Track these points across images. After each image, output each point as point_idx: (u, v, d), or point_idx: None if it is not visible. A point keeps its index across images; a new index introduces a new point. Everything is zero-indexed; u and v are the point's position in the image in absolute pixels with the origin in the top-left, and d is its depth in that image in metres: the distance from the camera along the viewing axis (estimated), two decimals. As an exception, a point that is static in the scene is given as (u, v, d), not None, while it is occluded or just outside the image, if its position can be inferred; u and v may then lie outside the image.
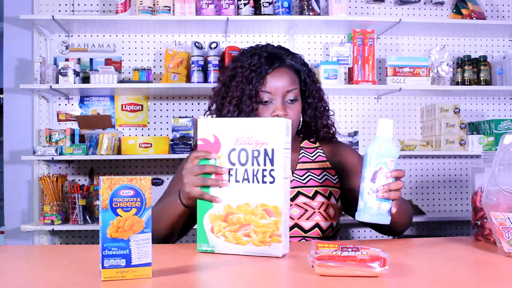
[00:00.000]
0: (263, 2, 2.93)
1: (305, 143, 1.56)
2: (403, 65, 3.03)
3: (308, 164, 1.50)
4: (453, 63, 3.24)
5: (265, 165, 1.09)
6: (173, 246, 1.35)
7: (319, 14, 3.02)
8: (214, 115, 1.49)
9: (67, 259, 1.17)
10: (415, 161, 3.30)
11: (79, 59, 3.07)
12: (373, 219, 1.11)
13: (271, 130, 1.09)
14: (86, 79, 2.98)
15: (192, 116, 3.01)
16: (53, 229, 2.85)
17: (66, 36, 3.12)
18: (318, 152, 1.54)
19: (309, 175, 1.47)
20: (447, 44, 3.31)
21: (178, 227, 1.34)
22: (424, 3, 3.27)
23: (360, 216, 1.13)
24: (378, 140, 1.12)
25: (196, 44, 2.97)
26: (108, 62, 3.02)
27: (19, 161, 2.95)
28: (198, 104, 3.18)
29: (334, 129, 1.58)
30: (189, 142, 2.90)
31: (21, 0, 3.08)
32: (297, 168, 1.49)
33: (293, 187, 1.43)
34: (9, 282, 0.94)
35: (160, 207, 1.35)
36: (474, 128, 3.21)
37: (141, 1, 2.89)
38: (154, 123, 3.18)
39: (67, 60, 2.97)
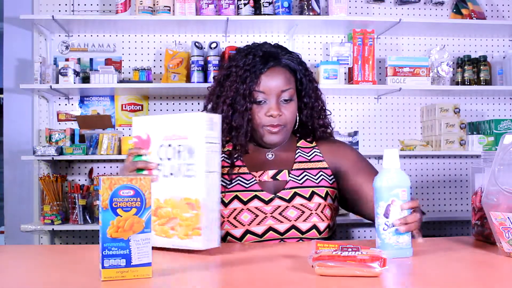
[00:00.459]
0: (263, 2, 2.93)
1: (301, 143, 1.55)
2: (403, 65, 3.03)
3: (305, 164, 1.49)
4: (453, 63, 3.24)
5: (186, 159, 1.12)
6: (173, 246, 1.35)
7: (319, 14, 3.02)
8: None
9: (67, 259, 1.17)
10: (415, 161, 3.30)
11: (79, 59, 3.07)
12: (393, 254, 1.05)
13: (191, 125, 1.12)
14: (86, 79, 2.98)
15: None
16: (53, 229, 2.85)
17: (66, 36, 3.12)
18: (315, 151, 1.52)
19: (306, 175, 1.46)
20: (447, 44, 3.31)
21: None
22: (424, 3, 3.27)
23: None
24: (385, 172, 1.09)
25: (196, 44, 2.97)
26: (108, 62, 3.02)
27: (19, 161, 2.95)
28: (198, 104, 3.18)
29: (331, 129, 1.57)
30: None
31: (21, 0, 3.08)
32: (293, 168, 1.47)
33: (290, 188, 1.42)
34: (9, 282, 0.94)
35: None
36: (474, 128, 3.21)
37: (141, 1, 2.89)
38: (154, 123, 3.17)
39: (67, 60, 2.97)
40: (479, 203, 1.21)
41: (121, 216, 0.89)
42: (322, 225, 1.39)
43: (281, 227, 1.37)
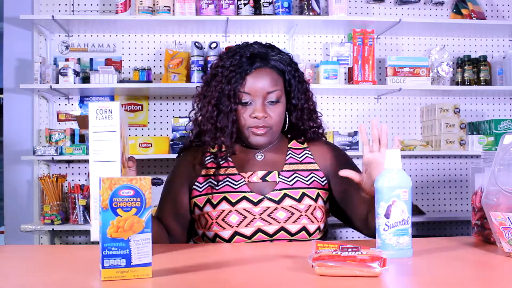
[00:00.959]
0: (263, 2, 2.93)
1: (293, 144, 1.53)
2: (403, 65, 3.03)
3: (295, 165, 1.47)
4: (453, 63, 3.24)
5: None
6: (173, 246, 1.35)
7: (319, 14, 3.02)
8: (198, 114, 1.47)
9: (67, 259, 1.17)
10: (415, 161, 3.30)
11: (79, 59, 3.07)
12: (394, 255, 1.05)
13: (89, 116, 1.10)
14: (86, 79, 2.98)
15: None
16: (53, 229, 2.85)
17: (66, 36, 3.12)
18: (306, 153, 1.51)
19: (296, 176, 1.44)
20: (447, 44, 3.31)
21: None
22: (424, 3, 3.27)
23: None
24: (387, 173, 1.09)
25: (196, 44, 2.97)
26: (108, 62, 3.02)
27: (19, 161, 2.95)
28: (198, 104, 3.18)
29: (322, 130, 1.55)
30: (189, 142, 2.89)
31: (21, 0, 3.08)
32: (283, 169, 1.45)
33: (280, 189, 1.41)
34: (9, 282, 0.94)
35: None
36: (474, 128, 3.21)
37: (141, 1, 2.90)
38: (154, 123, 3.18)
39: (67, 60, 2.97)
40: (479, 203, 1.21)
41: (121, 216, 0.89)
42: (311, 227, 1.37)
43: (270, 229, 1.35)
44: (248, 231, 1.35)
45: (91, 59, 3.08)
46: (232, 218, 1.35)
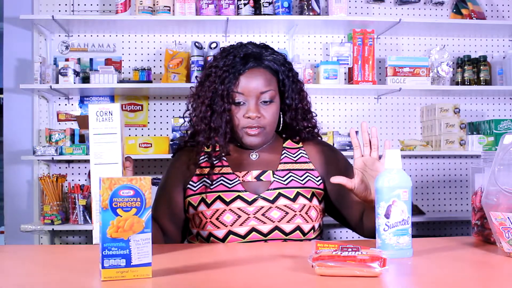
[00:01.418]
0: (263, 2, 2.93)
1: (288, 143, 1.53)
2: (403, 65, 3.03)
3: (290, 164, 1.47)
4: (453, 63, 3.24)
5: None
6: (173, 246, 1.35)
7: (319, 14, 3.02)
8: (193, 114, 1.47)
9: (67, 259, 1.17)
10: (415, 161, 3.30)
11: (79, 59, 3.07)
12: (394, 255, 1.05)
13: (89, 118, 1.10)
14: (86, 79, 2.98)
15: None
16: (53, 229, 2.85)
17: (66, 36, 3.12)
18: (301, 153, 1.51)
19: (291, 175, 1.44)
20: (447, 44, 3.31)
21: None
22: (424, 3, 3.27)
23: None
24: (387, 173, 1.09)
25: (196, 44, 2.97)
26: (108, 62, 3.02)
27: (19, 161, 2.95)
28: (198, 104, 3.18)
29: (318, 130, 1.55)
30: (189, 142, 2.90)
31: (21, 0, 3.08)
32: (278, 168, 1.45)
33: (274, 189, 1.40)
34: (9, 282, 0.94)
35: None
36: (474, 128, 3.21)
37: (141, 1, 2.90)
38: (154, 123, 3.18)
39: (67, 60, 2.97)
40: (479, 203, 1.21)
41: (121, 216, 0.89)
42: (306, 227, 1.37)
43: (264, 228, 1.35)
44: (242, 230, 1.35)
45: (91, 59, 3.08)
46: (226, 217, 1.35)
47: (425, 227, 3.26)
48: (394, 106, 3.29)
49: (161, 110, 3.18)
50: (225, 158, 1.46)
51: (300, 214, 1.37)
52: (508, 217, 1.04)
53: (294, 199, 1.39)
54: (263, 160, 1.47)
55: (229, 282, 0.93)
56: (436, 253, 1.14)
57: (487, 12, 3.29)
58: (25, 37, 3.09)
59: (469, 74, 3.15)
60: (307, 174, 1.46)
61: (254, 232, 1.35)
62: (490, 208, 1.08)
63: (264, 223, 1.35)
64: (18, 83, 2.95)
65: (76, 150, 2.84)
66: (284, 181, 1.42)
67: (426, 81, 3.03)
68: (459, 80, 3.18)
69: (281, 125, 1.51)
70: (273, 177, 1.43)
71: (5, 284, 0.91)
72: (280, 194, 1.39)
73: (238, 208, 1.36)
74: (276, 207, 1.37)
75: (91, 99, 3.15)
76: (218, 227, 1.35)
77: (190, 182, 1.45)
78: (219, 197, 1.38)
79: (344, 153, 1.74)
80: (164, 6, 2.91)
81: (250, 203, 1.37)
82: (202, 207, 1.38)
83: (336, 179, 1.31)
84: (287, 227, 1.36)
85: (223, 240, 1.35)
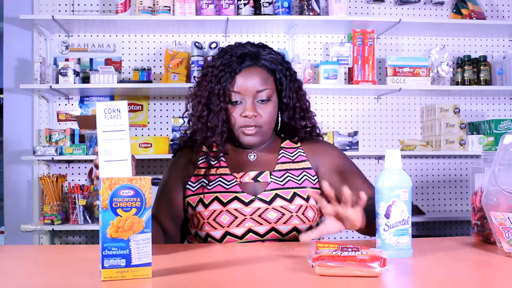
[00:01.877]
0: (263, 2, 2.93)
1: (286, 143, 1.52)
2: (403, 65, 3.03)
3: (288, 164, 1.46)
4: (453, 63, 3.24)
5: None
6: (173, 246, 1.35)
7: (319, 14, 3.02)
8: (191, 114, 1.47)
9: (67, 259, 1.17)
10: (415, 161, 3.30)
11: (79, 59, 3.07)
12: (394, 255, 1.04)
13: (97, 116, 1.09)
14: (86, 79, 2.98)
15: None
16: (53, 229, 2.85)
17: (66, 36, 3.12)
18: (299, 151, 1.50)
19: (288, 176, 1.44)
20: (447, 44, 3.31)
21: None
22: (424, 3, 3.27)
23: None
24: (387, 172, 1.08)
25: (196, 44, 2.97)
26: (108, 62, 3.02)
27: (19, 161, 2.95)
28: (198, 104, 3.18)
29: (319, 130, 1.54)
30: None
31: (21, 0, 3.08)
32: (275, 169, 1.45)
33: (271, 189, 1.40)
34: (9, 282, 0.94)
35: None
36: (474, 128, 3.21)
37: (141, 1, 2.90)
38: (154, 123, 3.18)
39: (67, 60, 2.97)
40: (479, 203, 1.21)
41: (121, 216, 0.89)
42: (303, 227, 1.37)
43: (261, 229, 1.35)
44: (239, 231, 1.35)
45: (91, 59, 3.09)
46: (223, 218, 1.35)
47: (425, 227, 3.26)
48: (394, 106, 3.29)
49: (161, 110, 3.18)
50: (223, 159, 1.45)
51: (296, 215, 1.37)
52: (508, 217, 1.04)
53: (290, 200, 1.38)
54: (261, 160, 1.47)
55: (229, 282, 0.93)
56: (436, 253, 1.14)
57: (487, 12, 3.29)
58: (25, 37, 3.09)
59: (469, 74, 3.15)
60: (304, 173, 1.45)
61: (251, 233, 1.35)
62: (490, 208, 1.08)
63: (261, 224, 1.35)
64: (18, 83, 2.95)
65: (76, 150, 2.84)
66: (281, 181, 1.42)
67: (426, 81, 3.03)
68: (459, 80, 3.18)
69: (279, 124, 1.50)
70: (270, 177, 1.42)
71: (5, 284, 0.91)
72: (277, 195, 1.39)
73: (235, 209, 1.36)
74: (273, 208, 1.37)
75: (91, 99, 3.15)
76: (215, 228, 1.35)
77: (189, 182, 1.45)
78: (216, 198, 1.38)
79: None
80: (164, 6, 2.91)
81: (247, 204, 1.37)
82: (200, 208, 1.39)
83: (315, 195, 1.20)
84: (284, 228, 1.36)
85: (220, 240, 1.35)
